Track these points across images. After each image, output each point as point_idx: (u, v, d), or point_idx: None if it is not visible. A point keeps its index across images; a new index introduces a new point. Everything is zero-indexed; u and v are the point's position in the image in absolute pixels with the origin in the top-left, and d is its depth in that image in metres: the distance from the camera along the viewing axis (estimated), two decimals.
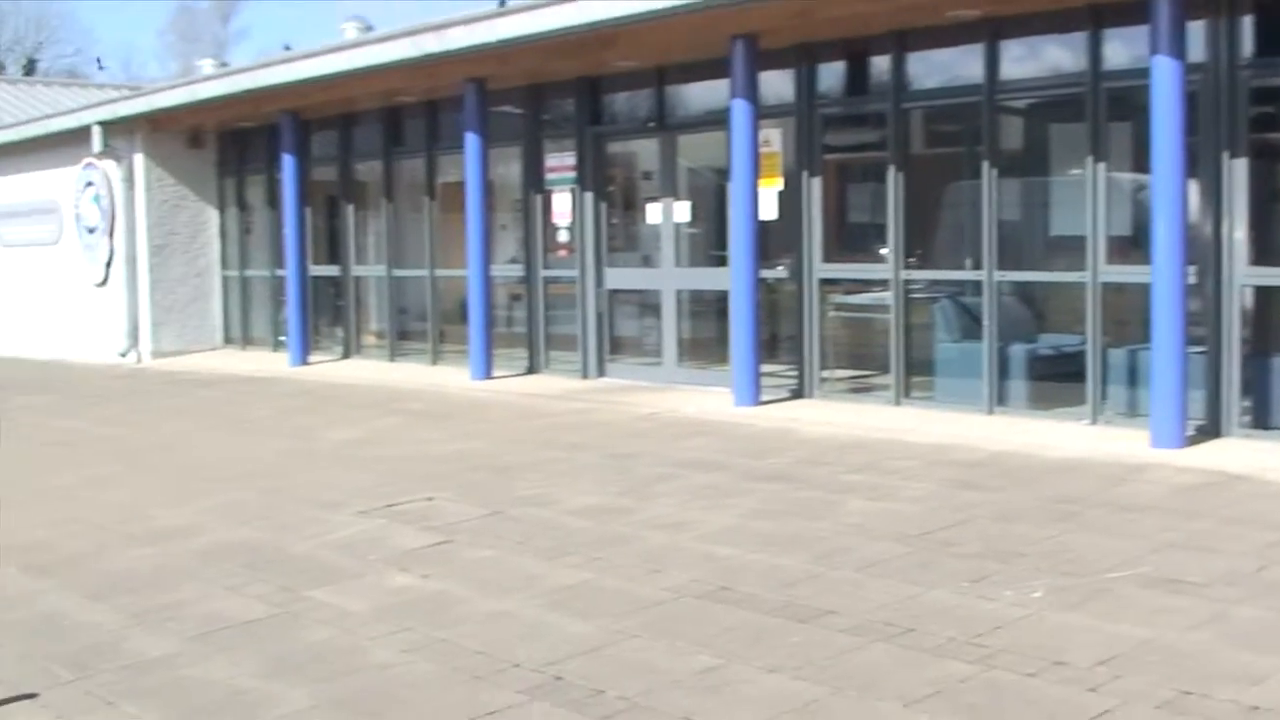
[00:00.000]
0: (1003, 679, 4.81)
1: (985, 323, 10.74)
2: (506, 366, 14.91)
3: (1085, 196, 10.13)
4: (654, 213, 13.81)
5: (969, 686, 4.75)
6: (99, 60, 56.10)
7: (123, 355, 19.41)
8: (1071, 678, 4.79)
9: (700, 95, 13.40)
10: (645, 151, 14.57)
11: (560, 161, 14.60)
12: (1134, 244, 10.14)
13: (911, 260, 11.34)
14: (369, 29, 16.24)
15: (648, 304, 14.27)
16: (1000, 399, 10.74)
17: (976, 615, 5.56)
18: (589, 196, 14.30)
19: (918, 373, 11.45)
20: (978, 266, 10.84)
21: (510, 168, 15.53)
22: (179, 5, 73.84)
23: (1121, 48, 10.03)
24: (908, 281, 11.34)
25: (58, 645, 5.62)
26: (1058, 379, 10.89)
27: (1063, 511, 7.37)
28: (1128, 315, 10.15)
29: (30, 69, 51.56)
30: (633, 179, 15.25)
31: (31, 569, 6.96)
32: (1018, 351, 10.81)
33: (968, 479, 8.34)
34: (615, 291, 14.38)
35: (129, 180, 19.21)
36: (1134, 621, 5.38)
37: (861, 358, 12.31)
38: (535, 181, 14.88)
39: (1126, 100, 10.07)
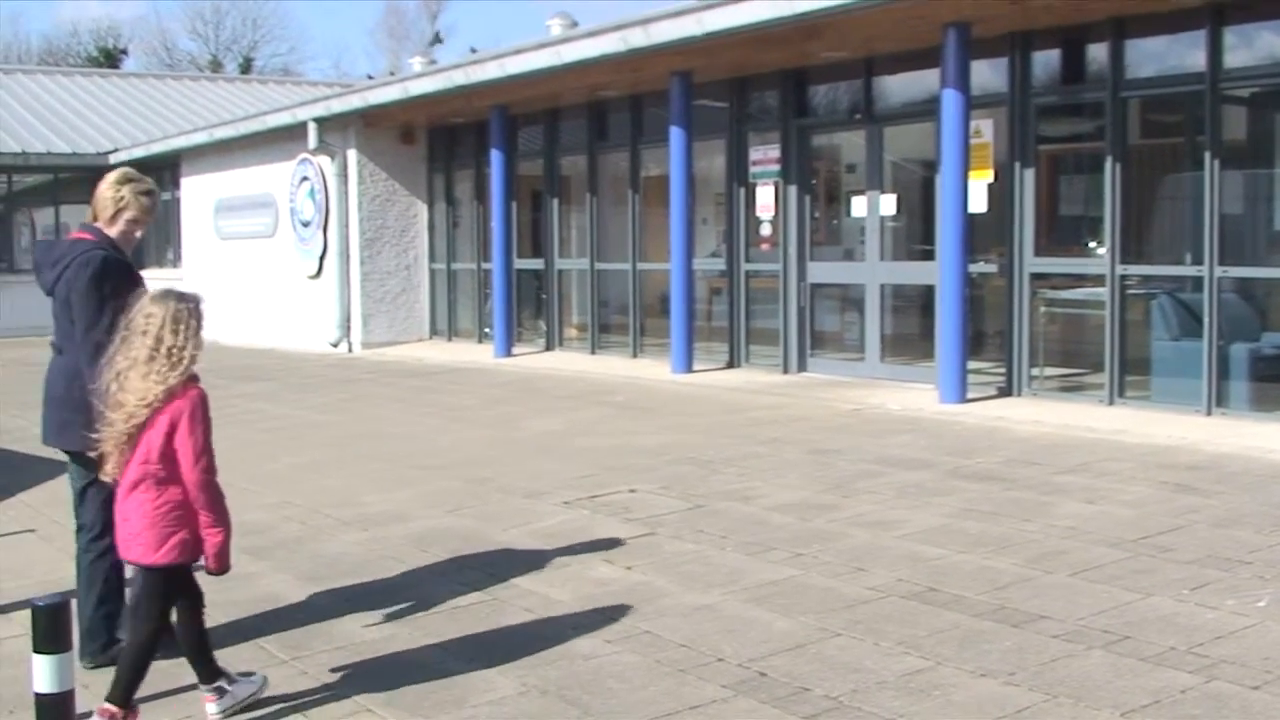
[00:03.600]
0: (1225, 691, 4.62)
1: (1206, 320, 10.35)
2: (706, 360, 14.91)
3: None
4: (859, 206, 13.65)
5: (1189, 698, 4.57)
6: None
7: (334, 345, 19.96)
8: None
9: (908, 86, 13.21)
10: (850, 144, 14.44)
11: (764, 154, 14.54)
12: None
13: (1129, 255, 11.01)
14: (574, 24, 16.39)
15: (850, 298, 14.13)
16: (1220, 400, 10.35)
17: (1197, 624, 5.35)
18: (792, 189, 14.22)
19: (1132, 371, 11.11)
20: (1198, 262, 10.46)
21: (713, 161, 15.54)
22: (388, 4, 75.75)
23: None
24: (1124, 277, 11.00)
25: (273, 625, 5.78)
26: None
27: None
28: None
29: (246, 67, 53.48)
30: (836, 172, 15.13)
31: (249, 551, 7.17)
32: (1240, 351, 10.40)
33: (1186, 482, 8.05)
34: (817, 285, 14.27)
35: (342, 175, 19.75)
36: None
37: (1073, 355, 12.00)
38: (739, 174, 14.85)
39: None
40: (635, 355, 16.40)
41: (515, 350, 17.56)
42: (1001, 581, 6.05)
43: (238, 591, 6.36)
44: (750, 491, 8.22)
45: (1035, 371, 11.84)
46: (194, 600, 4.79)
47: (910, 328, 13.70)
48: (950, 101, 11.32)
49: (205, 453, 4.60)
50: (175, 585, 4.70)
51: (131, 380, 4.57)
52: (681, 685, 4.86)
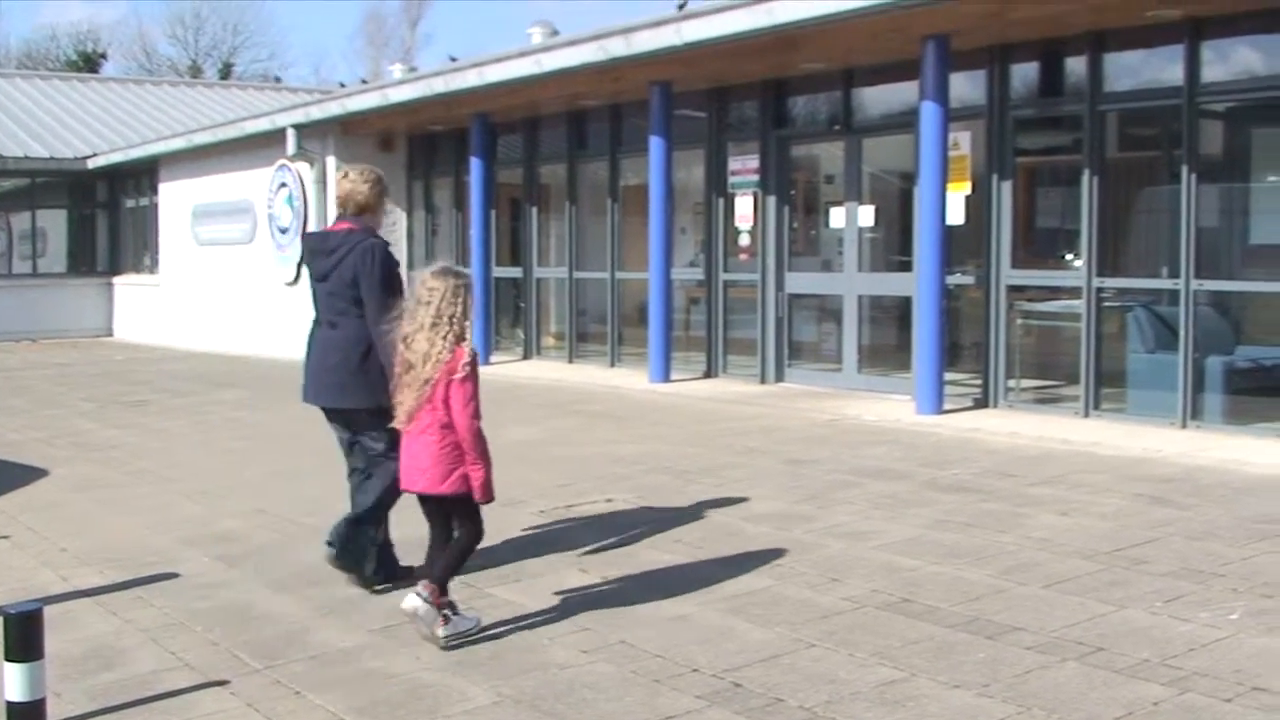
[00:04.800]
0: (1198, 703, 4.64)
1: (1181, 334, 10.40)
2: (684, 370, 14.92)
3: None
4: (837, 217, 13.69)
5: (1162, 710, 4.59)
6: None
7: None
8: (1271, 704, 4.61)
9: (886, 98, 13.25)
10: (828, 155, 14.48)
11: (743, 165, 14.57)
12: None
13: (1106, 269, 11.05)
14: (555, 33, 16.39)
15: (828, 309, 14.16)
16: (1195, 413, 10.40)
17: (1170, 636, 5.37)
18: (771, 200, 14.24)
19: (1108, 384, 11.15)
20: (1174, 275, 10.52)
21: (692, 171, 15.56)
22: (367, 10, 75.66)
23: None
24: (1100, 290, 11.04)
25: (247, 635, 5.76)
26: (1256, 393, 10.54)
27: (1262, 531, 7.10)
28: None
29: (226, 73, 53.32)
30: (815, 183, 15.17)
31: (222, 559, 7.15)
32: (1214, 364, 10.45)
33: (1160, 495, 8.08)
34: (795, 296, 14.29)
35: (321, 182, 19.71)
36: None
37: (1049, 367, 12.05)
38: (718, 185, 14.87)
39: None
40: (613, 364, 16.40)
41: (493, 359, 17.54)
42: (976, 593, 6.06)
43: (211, 600, 6.34)
44: (727, 501, 8.22)
45: (1011, 383, 11.88)
46: (474, 531, 5.72)
47: (887, 339, 13.73)
48: (929, 114, 11.36)
49: (473, 401, 5.48)
50: (463, 511, 5.65)
51: (418, 343, 5.48)
52: (656, 695, 4.86)
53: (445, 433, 5.48)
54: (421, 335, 5.46)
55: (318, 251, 6.52)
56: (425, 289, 5.51)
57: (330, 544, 6.33)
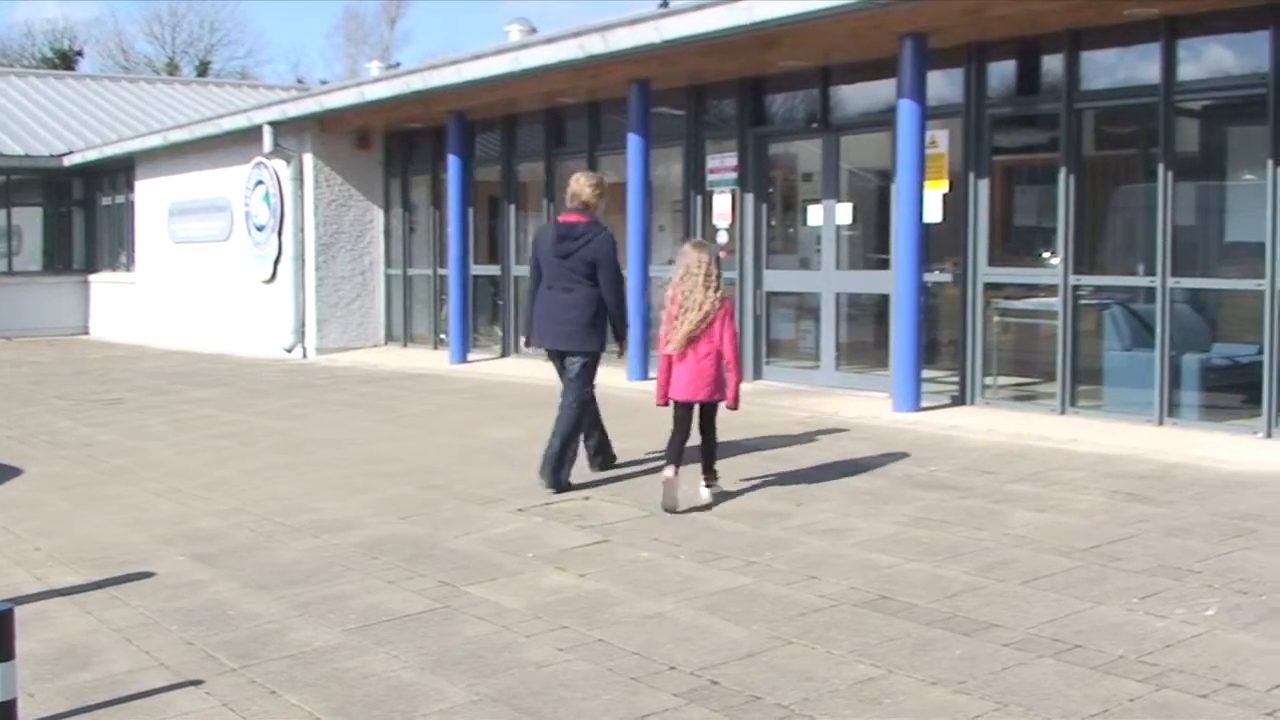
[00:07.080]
0: (1174, 699, 4.65)
1: (1157, 331, 10.43)
2: None
3: (1265, 202, 9.79)
4: (815, 214, 13.68)
5: (1138, 706, 4.60)
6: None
7: (288, 351, 19.84)
8: (1246, 700, 4.63)
9: (864, 96, 13.25)
10: (806, 153, 14.47)
11: (721, 163, 14.56)
12: None
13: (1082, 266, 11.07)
14: (533, 31, 16.36)
15: (805, 307, 14.16)
16: (1171, 410, 10.42)
17: (1146, 633, 5.39)
18: (749, 198, 14.23)
19: (1085, 381, 11.18)
20: (1150, 273, 10.54)
21: (671, 169, 15.55)
22: (346, 8, 75.47)
23: None
24: (1076, 287, 11.07)
25: (222, 634, 5.73)
26: (1232, 390, 10.55)
27: (1237, 528, 7.13)
28: None
29: (203, 70, 53.09)
30: (793, 180, 15.16)
31: (198, 558, 7.12)
32: (1190, 361, 10.48)
33: (1137, 491, 8.10)
34: (773, 294, 14.29)
35: (298, 179, 19.64)
36: None
37: (1026, 364, 12.07)
38: (696, 182, 14.86)
39: None
40: None
41: (471, 356, 17.51)
42: (953, 590, 6.07)
43: (186, 599, 6.32)
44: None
45: (989, 381, 11.89)
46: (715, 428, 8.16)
47: (865, 336, 13.73)
48: (906, 111, 11.36)
49: (735, 336, 7.91)
50: (712, 413, 8.03)
51: (695, 295, 7.74)
52: (634, 694, 4.85)
53: (719, 358, 7.78)
54: (698, 289, 7.72)
55: (565, 237, 8.64)
56: (694, 259, 7.81)
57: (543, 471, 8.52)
